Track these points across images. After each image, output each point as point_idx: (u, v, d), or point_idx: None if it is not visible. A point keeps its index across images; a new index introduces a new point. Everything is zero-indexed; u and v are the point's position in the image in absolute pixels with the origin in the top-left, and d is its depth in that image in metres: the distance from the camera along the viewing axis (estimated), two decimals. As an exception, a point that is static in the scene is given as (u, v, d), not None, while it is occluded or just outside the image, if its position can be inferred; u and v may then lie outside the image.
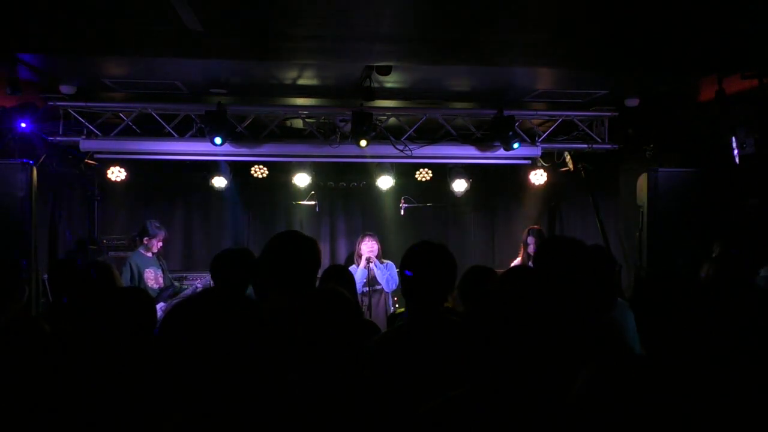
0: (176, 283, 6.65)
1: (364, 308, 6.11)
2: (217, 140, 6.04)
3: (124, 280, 5.98)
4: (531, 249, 6.72)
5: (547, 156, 7.29)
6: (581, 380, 1.37)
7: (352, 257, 7.47)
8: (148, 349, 2.47)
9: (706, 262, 3.52)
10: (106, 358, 2.38)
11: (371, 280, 6.41)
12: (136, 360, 2.39)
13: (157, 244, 6.37)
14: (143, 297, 2.74)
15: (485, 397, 1.81)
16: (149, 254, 6.33)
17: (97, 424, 2.19)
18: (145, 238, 6.31)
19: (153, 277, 6.22)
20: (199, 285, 6.41)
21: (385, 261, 6.67)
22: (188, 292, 6.32)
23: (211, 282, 3.88)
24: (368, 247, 6.54)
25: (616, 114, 6.66)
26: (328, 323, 2.24)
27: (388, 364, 2.48)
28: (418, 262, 2.67)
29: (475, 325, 1.85)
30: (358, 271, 6.41)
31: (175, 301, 6.07)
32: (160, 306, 5.72)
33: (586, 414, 1.34)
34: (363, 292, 6.23)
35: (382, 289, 6.56)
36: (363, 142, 6.15)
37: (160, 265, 6.41)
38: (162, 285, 6.28)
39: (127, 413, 2.20)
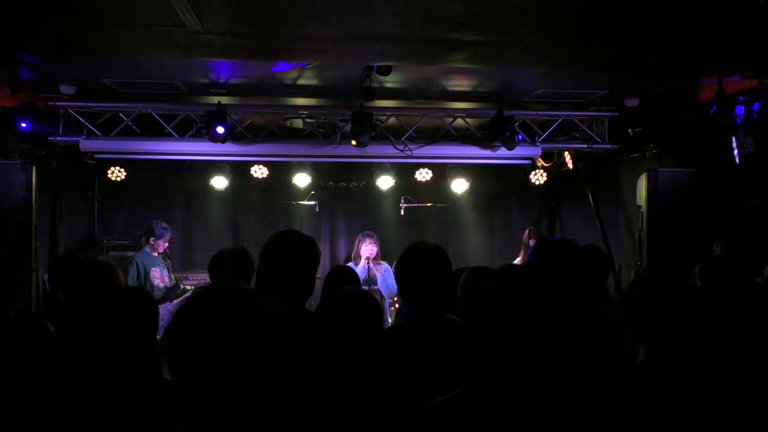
0: (181, 285, 6.65)
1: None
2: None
3: (131, 279, 6.00)
4: (531, 250, 6.71)
5: (547, 156, 7.28)
6: (574, 378, 1.37)
7: (352, 257, 7.46)
8: (152, 347, 2.47)
9: (699, 262, 3.53)
10: (108, 357, 2.38)
11: (370, 280, 6.40)
12: (139, 359, 2.39)
13: (163, 245, 6.39)
14: (145, 296, 2.74)
15: (484, 397, 1.81)
16: (155, 254, 6.35)
17: (99, 424, 2.19)
18: (152, 239, 6.33)
19: (159, 276, 6.25)
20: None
21: (382, 263, 6.66)
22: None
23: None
24: (368, 250, 6.54)
25: (616, 114, 6.66)
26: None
27: (385, 363, 2.48)
28: (414, 263, 2.68)
29: (474, 324, 1.85)
30: (358, 270, 6.41)
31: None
32: (167, 306, 5.72)
33: (579, 412, 1.34)
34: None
35: (378, 290, 6.55)
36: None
37: (166, 264, 6.44)
38: (168, 284, 6.30)
39: (130, 412, 2.20)
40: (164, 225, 6.44)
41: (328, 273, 3.95)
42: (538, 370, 1.77)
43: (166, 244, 6.45)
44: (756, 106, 5.16)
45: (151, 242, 6.34)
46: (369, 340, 2.27)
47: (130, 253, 6.59)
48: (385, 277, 6.50)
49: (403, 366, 2.46)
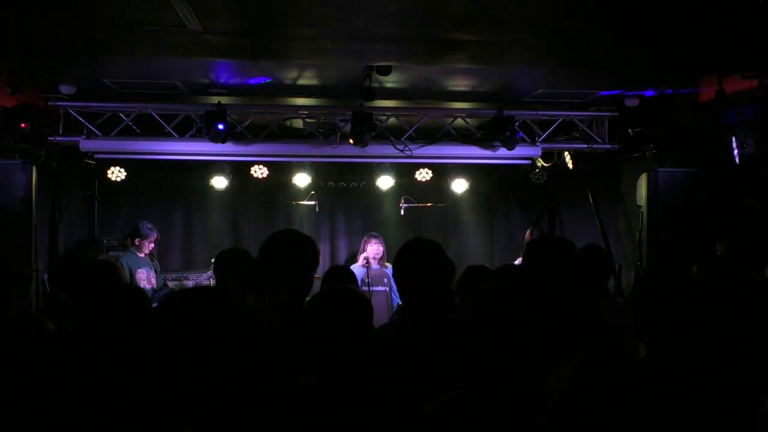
0: (170, 284, 6.63)
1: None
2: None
3: None
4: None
5: (547, 156, 7.29)
6: (565, 378, 1.37)
7: (353, 257, 7.46)
8: (144, 347, 2.47)
9: (698, 262, 3.53)
10: (105, 357, 2.38)
11: (372, 281, 6.40)
12: (134, 359, 2.39)
13: (148, 246, 6.37)
14: (139, 295, 2.74)
15: (485, 397, 1.81)
16: (141, 255, 6.33)
17: (96, 424, 2.19)
18: (137, 239, 6.31)
19: (145, 278, 6.22)
20: (200, 282, 6.36)
21: (388, 264, 6.64)
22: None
23: (211, 280, 3.89)
24: (374, 250, 6.55)
25: (616, 114, 6.66)
26: (346, 322, 2.25)
27: (381, 360, 2.48)
28: (410, 260, 2.68)
29: (474, 323, 1.85)
30: (356, 269, 6.40)
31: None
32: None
33: (572, 413, 1.34)
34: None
35: (384, 290, 6.54)
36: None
37: (153, 266, 6.41)
38: (155, 286, 6.28)
39: (126, 413, 2.20)
40: (150, 226, 6.43)
41: (326, 273, 3.96)
42: (539, 370, 1.77)
43: (152, 245, 6.43)
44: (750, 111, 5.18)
45: (137, 243, 6.31)
46: (355, 338, 2.26)
47: (121, 254, 6.56)
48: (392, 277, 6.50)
49: (401, 363, 2.45)
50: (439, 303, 2.65)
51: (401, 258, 2.72)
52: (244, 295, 2.99)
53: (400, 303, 6.63)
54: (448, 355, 2.32)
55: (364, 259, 6.49)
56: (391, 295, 6.62)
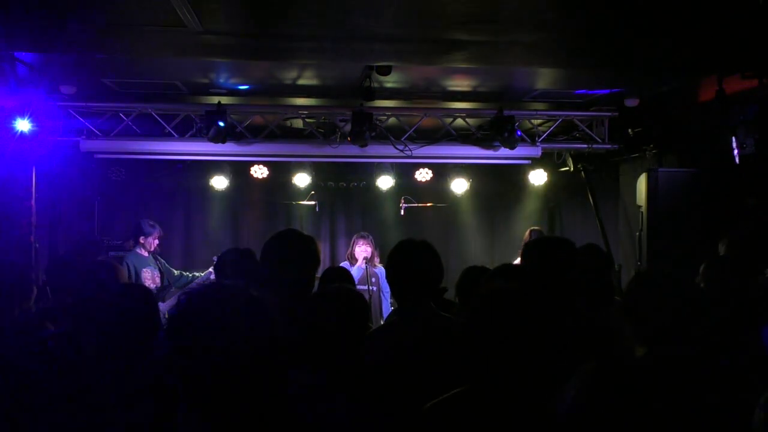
0: (186, 273, 6.61)
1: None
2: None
3: None
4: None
5: (547, 156, 7.29)
6: (576, 381, 1.37)
7: (347, 258, 7.45)
8: (152, 346, 2.47)
9: (705, 262, 3.53)
10: (109, 357, 2.38)
11: (361, 280, 6.39)
12: (140, 359, 2.39)
13: (153, 243, 6.36)
14: (145, 294, 2.74)
15: (484, 397, 1.81)
16: (145, 254, 6.32)
17: (100, 424, 2.19)
18: (141, 237, 6.30)
19: (150, 277, 6.21)
20: (212, 274, 6.32)
21: (378, 265, 6.64)
22: (201, 280, 6.30)
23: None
24: (361, 250, 6.54)
25: (616, 114, 6.66)
26: (345, 321, 2.25)
27: (380, 360, 2.48)
28: (402, 262, 2.68)
29: (471, 323, 1.85)
30: (354, 270, 6.40)
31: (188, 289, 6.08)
32: (158, 305, 5.69)
33: (581, 415, 1.34)
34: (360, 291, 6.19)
35: (373, 291, 6.53)
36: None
37: (157, 264, 6.40)
38: (159, 285, 6.27)
39: (132, 412, 2.20)
40: (152, 223, 6.41)
41: (323, 273, 3.96)
42: (538, 370, 1.77)
43: (157, 242, 6.42)
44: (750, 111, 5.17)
45: (141, 241, 6.30)
46: (352, 337, 2.27)
47: (125, 254, 6.55)
48: (382, 278, 6.50)
49: (400, 363, 2.45)
50: (432, 304, 2.64)
51: (392, 261, 2.72)
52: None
53: (393, 305, 6.67)
54: (447, 354, 2.32)
55: (364, 259, 6.49)
56: (380, 295, 6.61)
